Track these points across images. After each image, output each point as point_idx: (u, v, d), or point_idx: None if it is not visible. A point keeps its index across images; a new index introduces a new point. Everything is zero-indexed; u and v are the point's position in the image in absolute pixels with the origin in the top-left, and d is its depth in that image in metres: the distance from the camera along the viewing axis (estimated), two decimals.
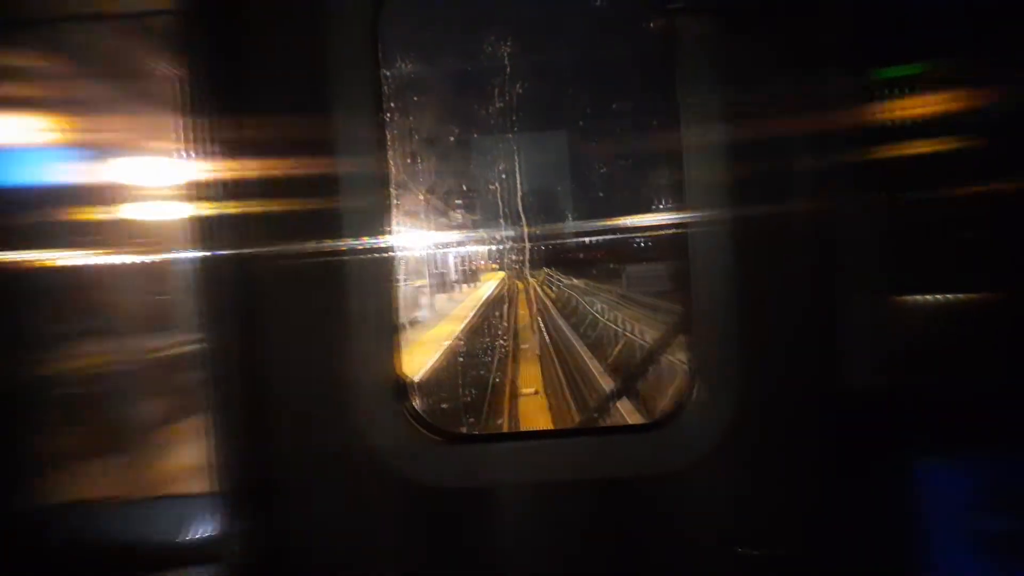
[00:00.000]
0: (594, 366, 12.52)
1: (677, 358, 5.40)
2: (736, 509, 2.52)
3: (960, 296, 2.46)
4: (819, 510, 2.46)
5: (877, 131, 2.46)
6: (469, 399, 11.02)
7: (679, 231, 2.57)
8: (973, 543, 2.31)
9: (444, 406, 9.78)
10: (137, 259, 3.01)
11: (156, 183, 2.91)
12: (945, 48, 2.40)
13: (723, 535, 2.51)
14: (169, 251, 2.75)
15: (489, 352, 15.24)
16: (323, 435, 2.55)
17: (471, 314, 16.98)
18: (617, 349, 13.59)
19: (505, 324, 19.98)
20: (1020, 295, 2.39)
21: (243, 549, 2.45)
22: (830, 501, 2.45)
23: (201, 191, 2.45)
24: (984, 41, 2.36)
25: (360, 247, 2.55)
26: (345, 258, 2.53)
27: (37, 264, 2.76)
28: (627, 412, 6.83)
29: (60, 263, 2.82)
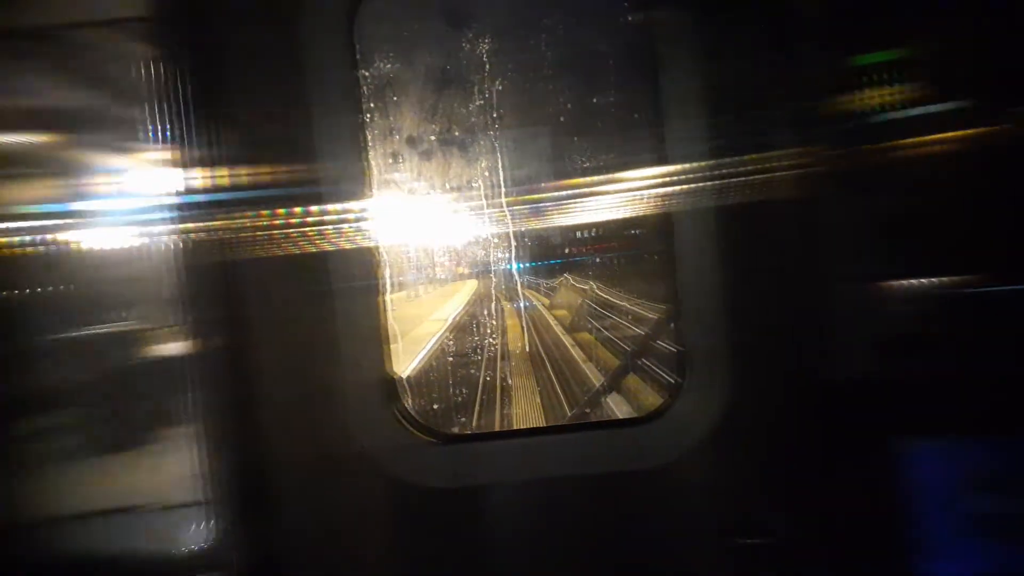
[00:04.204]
0: None
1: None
2: (730, 499, 2.53)
3: (947, 280, 2.48)
4: (812, 497, 2.48)
5: (859, 115, 2.46)
6: None
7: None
8: (964, 526, 2.32)
9: None
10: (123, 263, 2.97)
11: (138, 188, 2.87)
12: (923, 32, 2.41)
13: (717, 525, 2.52)
14: (155, 256, 2.71)
15: None
16: (315, 439, 2.54)
17: None
18: None
19: None
20: (1008, 278, 2.41)
21: (237, 555, 2.44)
22: (823, 488, 2.46)
23: (183, 195, 2.43)
24: (962, 25, 2.37)
25: (345, 247, 2.53)
26: (331, 259, 2.52)
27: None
28: None
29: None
